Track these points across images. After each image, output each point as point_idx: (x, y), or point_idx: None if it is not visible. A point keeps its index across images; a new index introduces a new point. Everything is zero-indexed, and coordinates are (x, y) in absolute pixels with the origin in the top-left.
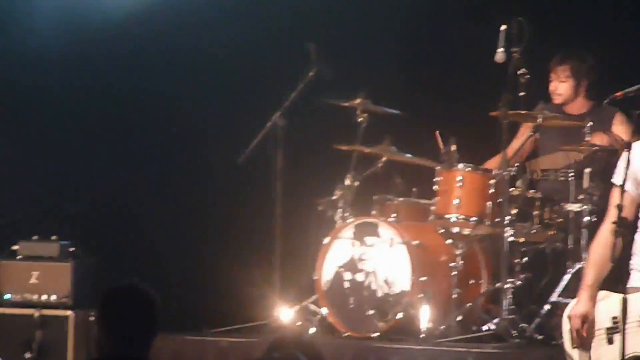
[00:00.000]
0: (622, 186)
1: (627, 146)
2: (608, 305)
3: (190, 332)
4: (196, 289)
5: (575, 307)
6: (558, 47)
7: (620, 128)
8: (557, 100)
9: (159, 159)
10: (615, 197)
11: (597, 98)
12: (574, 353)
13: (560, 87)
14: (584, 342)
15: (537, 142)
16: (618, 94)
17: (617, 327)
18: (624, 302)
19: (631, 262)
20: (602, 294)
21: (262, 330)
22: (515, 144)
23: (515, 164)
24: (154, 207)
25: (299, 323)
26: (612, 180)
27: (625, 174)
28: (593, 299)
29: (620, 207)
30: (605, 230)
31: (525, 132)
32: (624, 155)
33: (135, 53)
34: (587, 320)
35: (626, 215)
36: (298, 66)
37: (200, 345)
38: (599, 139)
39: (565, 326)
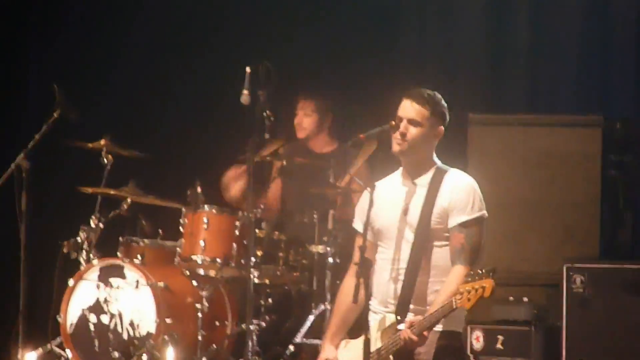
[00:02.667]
0: (364, 229)
1: (372, 187)
2: (348, 352)
3: None
4: None
5: (319, 357)
6: (299, 88)
7: (363, 165)
8: (301, 134)
9: None
10: (357, 241)
11: (341, 138)
12: None
13: (305, 120)
14: None
15: (283, 183)
16: (361, 135)
17: None
18: (366, 343)
19: (370, 303)
20: (343, 343)
21: None
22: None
23: (261, 205)
24: None
25: None
26: (353, 225)
27: (368, 215)
28: (335, 345)
29: (362, 249)
30: (348, 276)
31: (274, 174)
32: (365, 195)
33: None
34: None
35: (368, 256)
36: (43, 107)
37: None
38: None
39: None
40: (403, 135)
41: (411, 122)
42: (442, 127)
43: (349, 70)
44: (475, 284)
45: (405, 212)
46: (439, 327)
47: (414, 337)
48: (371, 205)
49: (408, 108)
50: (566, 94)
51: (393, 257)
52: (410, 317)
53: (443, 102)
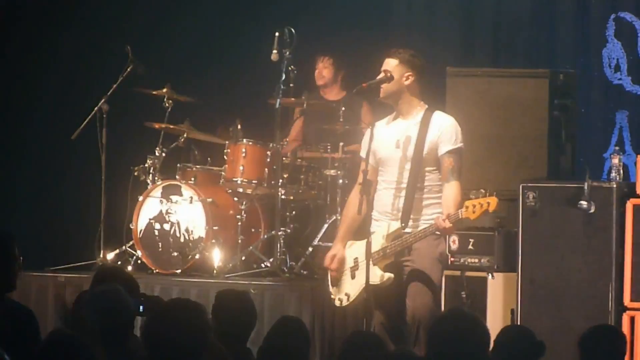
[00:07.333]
0: (366, 158)
1: (372, 125)
2: (352, 250)
3: (33, 269)
4: (41, 234)
5: (328, 253)
6: (318, 48)
7: (366, 111)
8: (320, 82)
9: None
10: (362, 166)
11: (349, 90)
12: (333, 290)
13: (325, 71)
14: (337, 280)
15: (304, 122)
16: (364, 84)
17: (357, 265)
18: (368, 243)
19: (372, 213)
20: (349, 243)
21: (90, 268)
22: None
23: (286, 139)
24: (10, 169)
25: (119, 262)
26: (360, 154)
27: (369, 147)
28: (342, 244)
29: (364, 173)
30: (353, 192)
31: (296, 115)
32: (368, 131)
33: None
34: (337, 260)
35: (369, 179)
36: (119, 63)
37: (42, 280)
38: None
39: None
40: None
41: (384, 72)
42: (409, 73)
43: (354, 36)
44: (482, 200)
45: (402, 144)
46: (438, 232)
47: (449, 225)
48: (371, 138)
49: (384, 62)
50: (522, 51)
51: (396, 179)
52: (411, 223)
53: (413, 55)
